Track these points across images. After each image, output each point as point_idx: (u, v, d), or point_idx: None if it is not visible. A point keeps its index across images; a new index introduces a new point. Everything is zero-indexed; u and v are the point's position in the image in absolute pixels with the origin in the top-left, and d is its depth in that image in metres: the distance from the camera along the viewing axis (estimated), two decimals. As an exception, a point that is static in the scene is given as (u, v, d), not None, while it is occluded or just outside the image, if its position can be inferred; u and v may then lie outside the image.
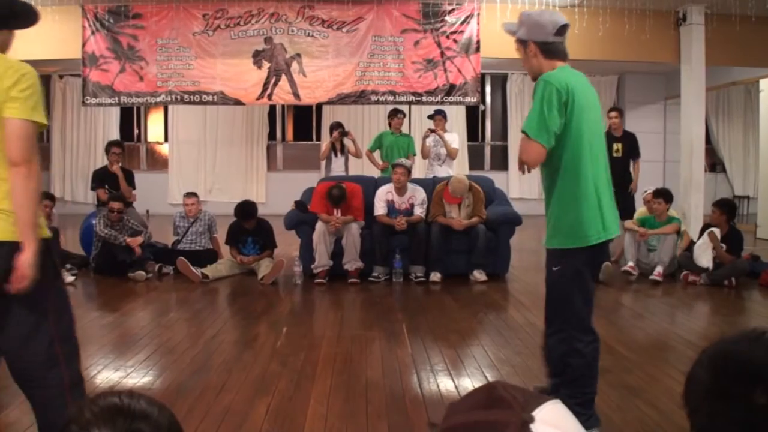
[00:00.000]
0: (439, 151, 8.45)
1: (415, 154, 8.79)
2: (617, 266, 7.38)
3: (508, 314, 5.48)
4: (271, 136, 14.75)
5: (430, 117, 8.61)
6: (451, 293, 6.28)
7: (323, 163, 8.73)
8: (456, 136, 8.72)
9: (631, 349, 4.45)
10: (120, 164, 8.09)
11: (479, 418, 0.84)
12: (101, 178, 7.99)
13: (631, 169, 7.87)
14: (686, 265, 6.89)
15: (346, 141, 8.66)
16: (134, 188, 8.13)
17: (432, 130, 8.42)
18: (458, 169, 9.23)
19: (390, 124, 8.74)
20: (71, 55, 9.67)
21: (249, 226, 7.20)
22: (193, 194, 7.47)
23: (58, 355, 2.30)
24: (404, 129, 9.20)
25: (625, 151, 7.88)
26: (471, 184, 7.03)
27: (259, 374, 3.86)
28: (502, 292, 6.41)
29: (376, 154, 8.93)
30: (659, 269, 6.92)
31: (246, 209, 7.14)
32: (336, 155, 8.49)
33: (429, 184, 7.42)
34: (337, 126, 8.57)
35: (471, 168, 13.51)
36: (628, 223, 7.41)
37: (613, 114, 7.92)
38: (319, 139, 14.40)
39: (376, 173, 8.74)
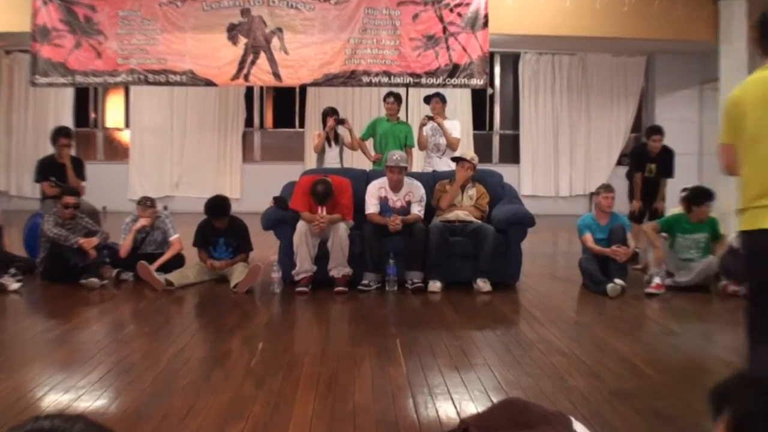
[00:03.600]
0: (438, 140, 8.36)
1: (413, 146, 8.73)
2: (644, 275, 7.32)
3: (519, 329, 5.46)
4: (248, 122, 14.71)
5: (427, 100, 8.49)
6: (452, 304, 6.24)
7: (315, 156, 8.70)
8: (457, 124, 8.63)
9: (660, 370, 4.42)
10: (70, 153, 7.99)
11: None
12: (47, 169, 7.89)
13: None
14: (726, 273, 6.74)
15: (341, 130, 8.58)
16: (84, 179, 8.03)
17: (429, 117, 8.32)
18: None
19: (386, 109, 8.69)
20: (19, 27, 9.60)
21: (220, 226, 7.12)
22: (150, 204, 7.32)
23: None
24: (401, 116, 9.17)
25: (658, 172, 8.54)
26: (476, 183, 7.13)
27: (230, 397, 3.81)
28: (512, 304, 6.38)
29: (369, 144, 8.84)
30: (657, 280, 6.80)
31: (217, 206, 7.06)
32: (330, 145, 8.45)
33: (429, 179, 7.34)
34: (331, 113, 8.49)
35: (479, 160, 13.41)
36: (647, 227, 7.37)
37: (657, 138, 8.47)
38: (302, 126, 14.41)
39: (367, 165, 8.66)
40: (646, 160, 8.57)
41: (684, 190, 7.30)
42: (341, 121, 8.49)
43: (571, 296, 6.77)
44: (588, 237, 7.02)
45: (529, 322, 5.63)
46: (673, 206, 7.87)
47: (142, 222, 7.19)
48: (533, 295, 6.73)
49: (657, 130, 8.62)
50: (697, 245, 7.01)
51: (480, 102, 14.61)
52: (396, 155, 6.97)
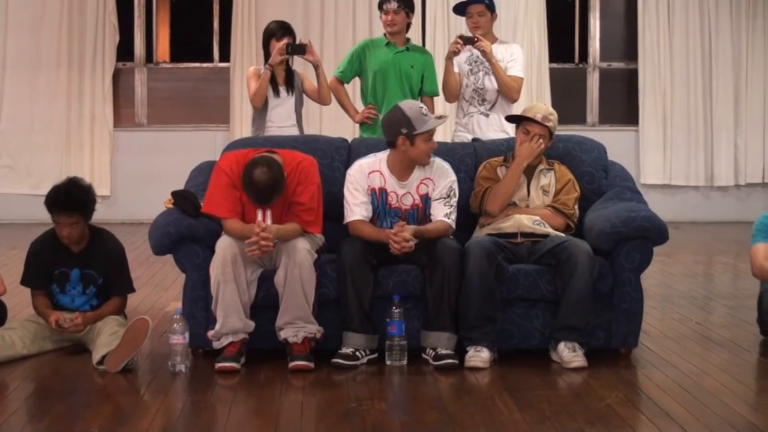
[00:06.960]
0: (483, 83, 6.38)
1: (435, 93, 6.67)
2: None
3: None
4: (125, 52, 10.99)
5: (460, 9, 6.49)
6: (512, 393, 4.65)
7: (251, 113, 6.66)
8: (519, 52, 6.63)
9: None
10: None
11: None
12: None
13: None
14: None
15: (298, 68, 6.61)
16: None
17: (466, 39, 6.25)
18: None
19: (385, 24, 6.55)
20: None
21: (74, 245, 5.22)
22: None
23: None
24: (414, 38, 7.11)
25: None
26: (555, 164, 5.47)
27: None
28: (625, 391, 4.70)
29: (352, 90, 6.85)
30: None
31: (68, 197, 5.20)
32: (277, 93, 6.38)
33: (465, 157, 5.52)
34: (280, 32, 6.37)
35: (561, 120, 10.98)
36: None
37: None
38: (225, 59, 11.09)
39: (348, 130, 7.26)
40: None
41: None
42: (299, 49, 6.32)
43: (740, 375, 4.92)
44: (763, 248, 5.25)
45: (660, 426, 4.08)
46: None
47: None
48: (667, 373, 4.89)
49: None
50: None
51: (562, 11, 10.93)
52: (408, 105, 5.37)
